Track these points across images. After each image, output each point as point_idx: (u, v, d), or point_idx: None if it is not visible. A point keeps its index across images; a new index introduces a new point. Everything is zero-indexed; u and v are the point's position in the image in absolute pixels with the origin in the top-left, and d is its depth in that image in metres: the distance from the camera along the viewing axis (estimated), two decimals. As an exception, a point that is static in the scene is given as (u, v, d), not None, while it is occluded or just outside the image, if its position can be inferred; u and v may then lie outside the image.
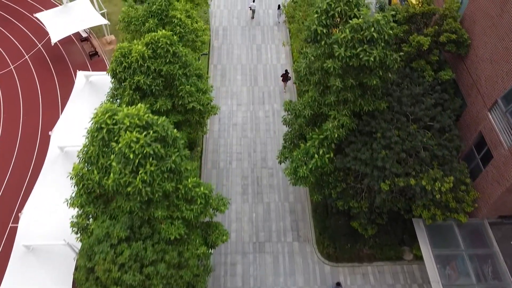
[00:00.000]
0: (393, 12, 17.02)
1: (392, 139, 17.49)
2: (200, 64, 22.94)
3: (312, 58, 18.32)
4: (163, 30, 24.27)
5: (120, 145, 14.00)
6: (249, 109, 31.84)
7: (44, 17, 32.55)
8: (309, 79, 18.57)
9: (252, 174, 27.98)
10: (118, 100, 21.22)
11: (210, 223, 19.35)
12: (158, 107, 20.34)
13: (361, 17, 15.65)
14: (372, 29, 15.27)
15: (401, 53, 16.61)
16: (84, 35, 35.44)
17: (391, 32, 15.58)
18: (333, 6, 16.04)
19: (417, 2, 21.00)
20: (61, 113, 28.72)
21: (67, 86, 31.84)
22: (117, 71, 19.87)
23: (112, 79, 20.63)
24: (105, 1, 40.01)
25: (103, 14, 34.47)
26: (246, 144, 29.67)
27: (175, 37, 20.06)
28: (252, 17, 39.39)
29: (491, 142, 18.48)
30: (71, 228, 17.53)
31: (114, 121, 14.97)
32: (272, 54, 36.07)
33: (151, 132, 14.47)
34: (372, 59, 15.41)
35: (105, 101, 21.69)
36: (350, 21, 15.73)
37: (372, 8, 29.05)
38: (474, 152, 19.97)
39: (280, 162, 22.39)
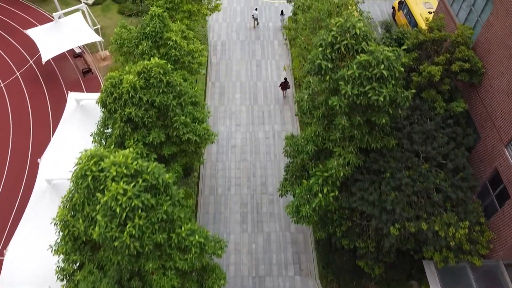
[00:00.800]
0: (405, 47, 15.67)
1: (402, 181, 16.21)
2: (196, 91, 21.67)
3: (315, 89, 17.09)
4: (157, 55, 23.27)
5: (105, 198, 12.72)
6: (249, 130, 30.56)
7: (35, 34, 31.26)
8: (312, 113, 17.29)
9: (251, 200, 26.70)
10: (109, 129, 19.94)
11: (206, 266, 18.06)
12: (151, 139, 19.07)
13: (369, 51, 14.39)
14: (382, 66, 14.00)
15: (413, 90, 15.33)
16: (77, 51, 34.17)
17: (402, 69, 14.30)
18: (338, 39, 14.76)
19: (427, 27, 19.72)
20: (52, 135, 27.51)
21: (59, 105, 30.62)
22: (107, 102, 18.62)
23: (102, 108, 19.40)
24: (99, 14, 38.82)
25: (96, 30, 33.19)
26: (246, 168, 28.37)
27: (169, 65, 18.80)
28: (254, 26, 38.64)
29: (508, 181, 17.18)
30: (56, 275, 16.27)
31: (100, 168, 13.68)
32: (273, 71, 34.80)
33: (140, 181, 13.20)
34: (382, 99, 14.14)
35: (96, 131, 20.40)
36: (357, 56, 14.47)
37: (378, 30, 27.80)
38: (488, 188, 18.67)
39: (281, 195, 21.10)
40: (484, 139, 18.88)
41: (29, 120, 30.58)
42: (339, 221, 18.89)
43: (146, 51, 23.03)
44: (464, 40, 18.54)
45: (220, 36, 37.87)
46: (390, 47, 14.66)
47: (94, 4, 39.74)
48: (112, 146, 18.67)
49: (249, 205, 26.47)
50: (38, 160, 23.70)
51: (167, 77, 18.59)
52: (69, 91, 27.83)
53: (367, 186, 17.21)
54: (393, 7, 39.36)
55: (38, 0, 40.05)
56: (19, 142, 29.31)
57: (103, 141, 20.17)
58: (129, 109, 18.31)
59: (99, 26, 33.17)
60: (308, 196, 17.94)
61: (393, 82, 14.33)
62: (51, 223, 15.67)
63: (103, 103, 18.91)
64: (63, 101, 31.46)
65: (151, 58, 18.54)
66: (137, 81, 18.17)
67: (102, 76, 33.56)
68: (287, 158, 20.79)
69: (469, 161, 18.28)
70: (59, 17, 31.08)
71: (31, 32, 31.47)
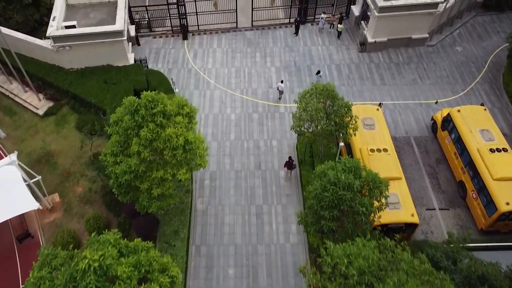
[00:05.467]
0: None
1: None
2: None
3: None
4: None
5: None
6: None
7: None
8: None
9: None
10: None
11: None
12: None
13: None
14: None
15: None
16: (13, 200, 25.08)
17: None
18: None
19: None
20: None
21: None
22: None
23: None
24: (52, 130, 29.90)
25: (36, 183, 24.07)
26: None
27: None
28: (280, 97, 32.73)
29: None
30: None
31: None
32: (278, 224, 25.77)
33: None
34: None
35: None
36: None
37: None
38: None
39: None
40: None
41: None
42: None
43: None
44: None
45: (209, 164, 28.77)
46: None
47: (46, 114, 30.75)
48: None
49: None
50: None
51: None
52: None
53: None
54: (433, 120, 30.45)
55: (-26, 109, 31.08)
56: None
57: None
58: None
59: (39, 177, 23.96)
60: None
61: None
62: None
63: None
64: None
65: None
66: None
67: (45, 241, 24.45)
68: None
69: None
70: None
71: None
